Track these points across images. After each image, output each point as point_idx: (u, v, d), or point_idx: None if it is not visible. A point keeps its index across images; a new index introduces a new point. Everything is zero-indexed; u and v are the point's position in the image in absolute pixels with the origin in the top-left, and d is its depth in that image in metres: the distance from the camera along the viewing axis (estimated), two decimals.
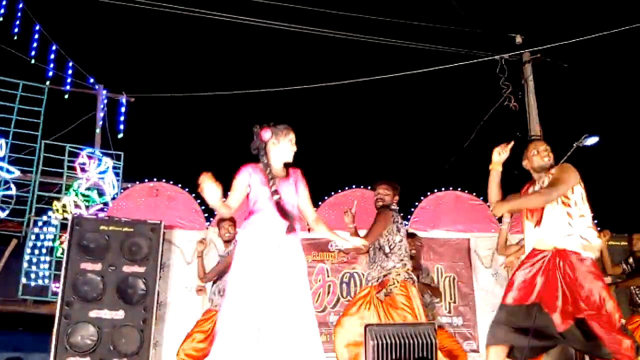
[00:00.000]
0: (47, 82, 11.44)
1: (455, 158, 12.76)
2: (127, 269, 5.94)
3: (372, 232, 4.64)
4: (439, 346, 5.61)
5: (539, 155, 3.74)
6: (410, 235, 6.40)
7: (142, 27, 16.83)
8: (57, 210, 10.36)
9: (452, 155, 12.96)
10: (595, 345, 3.39)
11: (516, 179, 3.92)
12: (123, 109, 12.60)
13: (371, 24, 10.99)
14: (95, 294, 5.79)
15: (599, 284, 3.42)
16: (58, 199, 10.51)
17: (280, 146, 3.61)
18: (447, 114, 16.16)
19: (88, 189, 10.79)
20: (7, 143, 10.44)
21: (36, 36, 11.59)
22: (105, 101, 12.55)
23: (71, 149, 10.88)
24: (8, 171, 10.31)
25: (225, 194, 3.44)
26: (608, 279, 6.40)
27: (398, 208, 4.88)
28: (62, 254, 7.28)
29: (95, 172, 10.90)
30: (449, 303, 7.31)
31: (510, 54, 10.43)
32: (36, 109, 10.86)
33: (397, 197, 4.89)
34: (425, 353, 4.14)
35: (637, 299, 6.12)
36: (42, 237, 10.25)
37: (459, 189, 7.71)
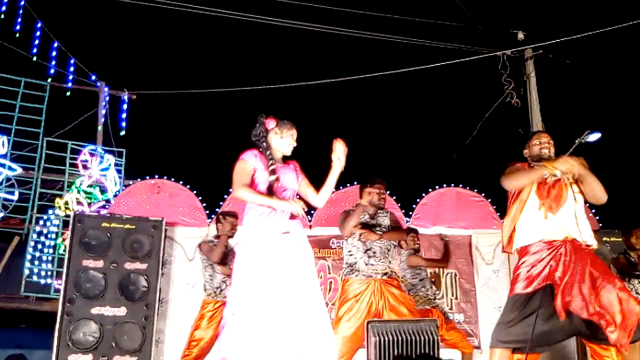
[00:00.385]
0: (49, 79, 11.46)
1: (457, 154, 12.77)
2: (129, 266, 5.94)
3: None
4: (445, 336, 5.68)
5: (539, 146, 3.80)
6: (414, 231, 6.43)
7: (144, 24, 16.83)
8: (59, 207, 10.39)
9: (454, 151, 12.97)
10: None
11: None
12: (125, 106, 12.62)
13: (375, 20, 10.98)
14: (98, 291, 5.79)
15: (608, 270, 3.53)
16: (60, 196, 10.54)
17: (282, 138, 3.66)
18: (449, 111, 16.15)
19: (90, 186, 10.81)
20: (9, 140, 10.46)
21: (38, 33, 11.59)
22: (107, 98, 12.56)
23: (73, 146, 10.90)
24: (10, 168, 10.33)
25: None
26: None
27: None
28: (64, 251, 7.30)
29: (97, 169, 10.92)
30: (451, 299, 7.31)
31: (513, 50, 10.41)
32: (38, 106, 10.89)
33: None
34: (427, 349, 4.15)
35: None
36: (44, 234, 10.29)
37: (461, 186, 7.71)
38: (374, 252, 4.77)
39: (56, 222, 10.39)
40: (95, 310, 5.74)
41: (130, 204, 7.08)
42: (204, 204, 7.14)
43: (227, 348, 3.29)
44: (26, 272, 9.90)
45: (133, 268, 5.95)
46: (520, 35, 10.64)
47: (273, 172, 3.54)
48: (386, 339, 4.13)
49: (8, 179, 10.29)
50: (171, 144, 15.86)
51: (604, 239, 6.91)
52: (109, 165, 11.12)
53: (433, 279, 6.44)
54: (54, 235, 10.30)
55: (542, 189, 3.65)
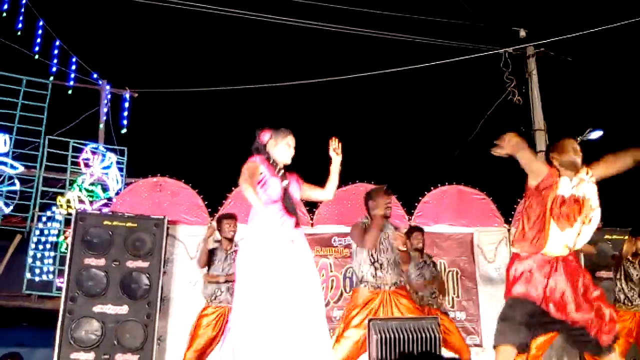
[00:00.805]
0: (51, 78, 11.49)
1: (459, 152, 12.75)
2: (130, 264, 5.95)
3: None
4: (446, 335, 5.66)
5: (577, 154, 3.67)
6: (418, 229, 6.42)
7: (145, 22, 16.80)
8: (61, 205, 10.40)
9: (455, 149, 12.95)
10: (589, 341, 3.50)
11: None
12: (127, 104, 12.64)
13: (376, 18, 10.95)
14: (99, 289, 5.80)
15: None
16: (62, 195, 10.55)
17: (278, 148, 3.72)
18: (451, 108, 16.11)
19: (92, 184, 10.82)
20: (11, 139, 10.48)
21: (39, 32, 11.62)
22: (109, 96, 12.57)
23: (75, 145, 10.92)
24: (12, 167, 10.34)
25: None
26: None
27: None
28: (66, 249, 7.31)
29: (99, 167, 10.93)
30: (452, 298, 7.31)
31: (514, 47, 10.39)
32: (40, 104, 10.91)
33: None
34: (428, 347, 4.15)
35: (622, 295, 6.11)
36: (46, 232, 10.30)
37: (463, 184, 7.69)
38: (381, 264, 4.80)
39: (58, 219, 10.41)
40: (97, 309, 5.75)
41: (132, 202, 7.07)
42: (206, 202, 7.15)
43: (232, 350, 3.34)
44: (28, 270, 9.91)
45: (135, 266, 5.96)
46: (522, 33, 10.62)
47: (284, 177, 3.64)
48: (388, 336, 4.14)
49: (10, 177, 10.30)
50: (173, 142, 15.84)
51: (606, 236, 6.92)
52: (111, 163, 11.12)
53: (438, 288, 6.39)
54: (55, 233, 10.31)
55: (556, 205, 3.60)
